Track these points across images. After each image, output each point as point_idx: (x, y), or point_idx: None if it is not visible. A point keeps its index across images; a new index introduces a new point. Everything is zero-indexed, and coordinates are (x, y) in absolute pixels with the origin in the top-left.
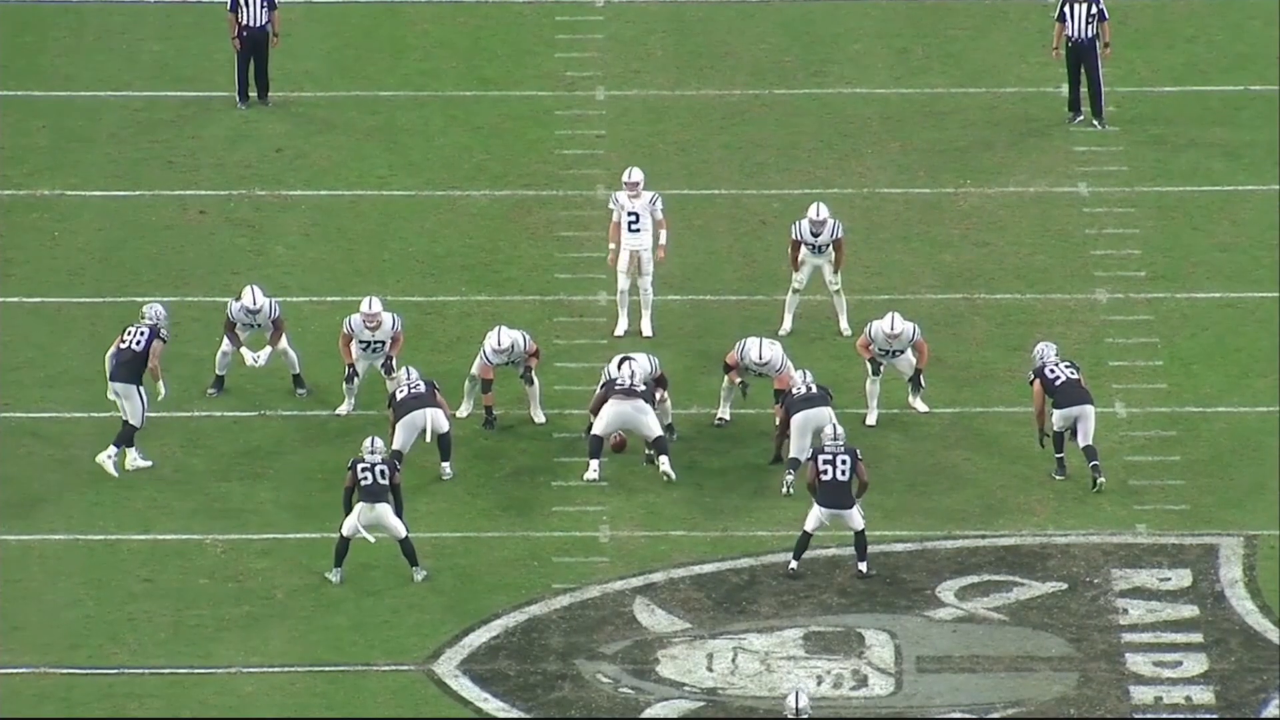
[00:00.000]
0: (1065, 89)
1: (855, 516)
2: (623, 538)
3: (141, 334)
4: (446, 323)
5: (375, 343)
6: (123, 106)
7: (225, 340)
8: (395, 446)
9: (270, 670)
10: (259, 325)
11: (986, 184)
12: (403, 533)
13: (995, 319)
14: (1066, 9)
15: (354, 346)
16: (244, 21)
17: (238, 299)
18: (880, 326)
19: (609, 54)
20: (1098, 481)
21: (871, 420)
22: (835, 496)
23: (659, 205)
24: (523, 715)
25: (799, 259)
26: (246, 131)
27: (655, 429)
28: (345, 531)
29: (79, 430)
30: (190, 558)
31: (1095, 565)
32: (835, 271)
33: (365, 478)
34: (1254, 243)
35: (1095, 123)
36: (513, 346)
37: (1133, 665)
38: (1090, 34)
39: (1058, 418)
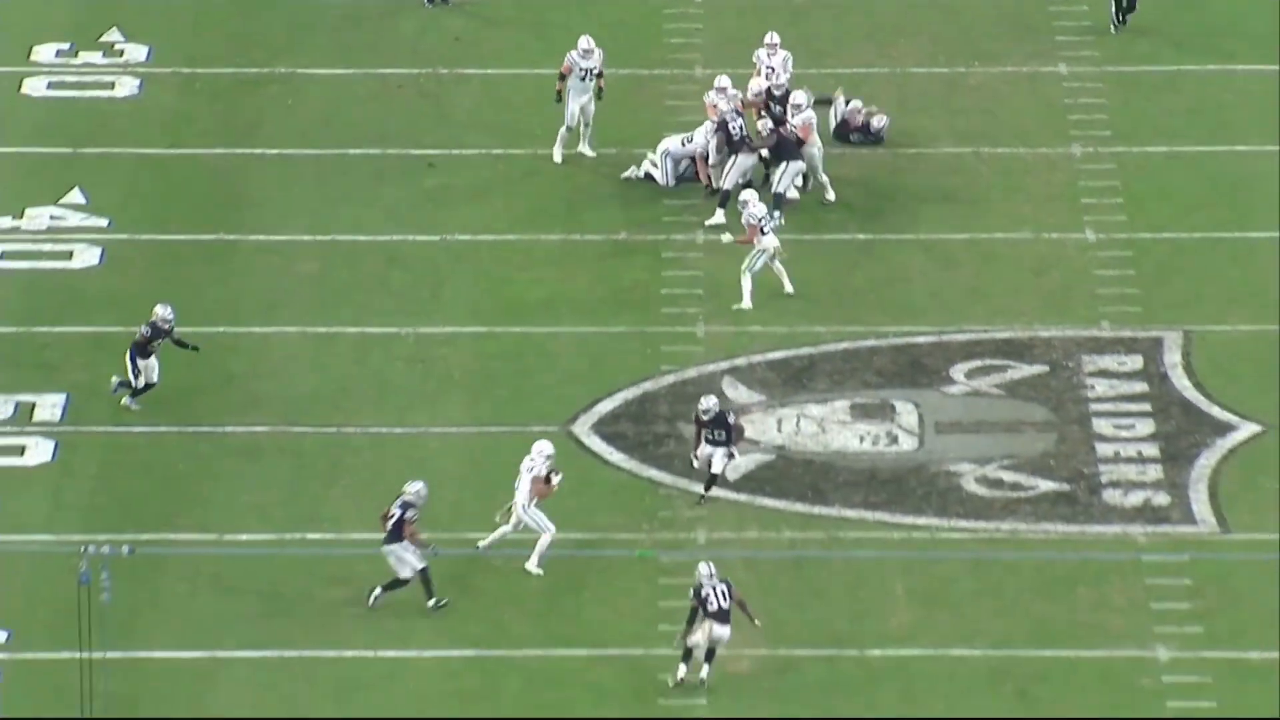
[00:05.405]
0: None
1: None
2: (715, 331)
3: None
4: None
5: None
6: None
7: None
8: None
9: (451, 431)
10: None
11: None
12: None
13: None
14: None
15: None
16: None
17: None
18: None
19: None
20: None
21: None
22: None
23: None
24: (636, 464)
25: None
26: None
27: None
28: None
29: None
30: None
31: (1070, 352)
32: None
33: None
34: None
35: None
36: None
37: (1098, 428)
38: None
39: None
